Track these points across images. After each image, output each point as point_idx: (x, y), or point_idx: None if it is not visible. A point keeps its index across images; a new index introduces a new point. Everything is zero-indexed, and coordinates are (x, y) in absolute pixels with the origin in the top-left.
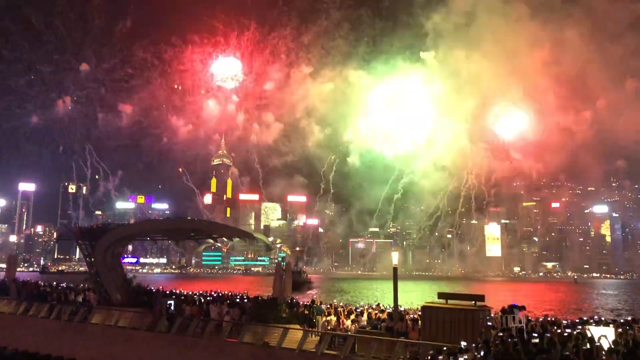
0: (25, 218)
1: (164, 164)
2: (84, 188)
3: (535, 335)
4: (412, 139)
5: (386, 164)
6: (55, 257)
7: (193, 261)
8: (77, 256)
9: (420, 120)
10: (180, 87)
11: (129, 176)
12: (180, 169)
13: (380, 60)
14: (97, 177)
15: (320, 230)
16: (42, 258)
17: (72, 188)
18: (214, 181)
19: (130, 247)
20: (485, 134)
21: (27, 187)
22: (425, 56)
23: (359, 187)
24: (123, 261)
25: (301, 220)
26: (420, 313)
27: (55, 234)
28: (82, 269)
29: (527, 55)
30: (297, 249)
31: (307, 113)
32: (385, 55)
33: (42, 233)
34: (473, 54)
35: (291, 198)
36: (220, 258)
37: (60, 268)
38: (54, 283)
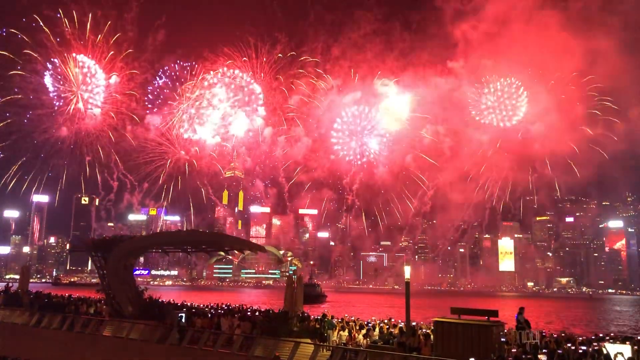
0: (38, 229)
1: (184, 176)
2: (97, 200)
3: (544, 351)
4: (439, 150)
5: (413, 177)
6: (68, 268)
7: (204, 273)
8: (90, 268)
9: (446, 131)
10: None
11: (148, 188)
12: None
13: (408, 71)
14: (114, 189)
15: (332, 243)
16: (54, 269)
17: (85, 200)
18: (225, 194)
19: (141, 259)
20: (511, 146)
21: (40, 198)
22: (453, 65)
23: (385, 200)
24: (134, 273)
25: (313, 233)
26: (432, 328)
27: (68, 245)
28: (94, 280)
29: (558, 65)
30: (312, 262)
31: (335, 126)
32: (413, 66)
33: (55, 244)
34: (501, 64)
35: (302, 211)
36: (231, 270)
37: (72, 279)
38: (66, 294)
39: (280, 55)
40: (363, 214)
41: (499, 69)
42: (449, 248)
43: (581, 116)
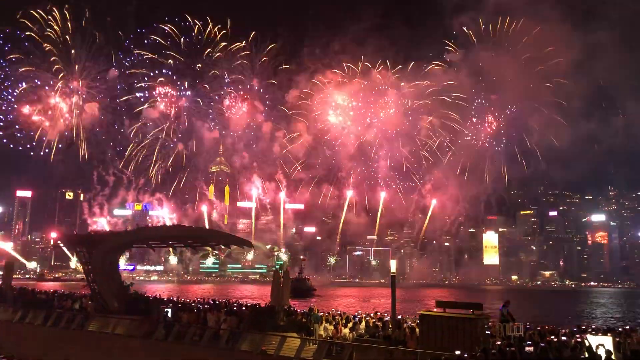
0: (22, 225)
1: (178, 171)
2: (82, 195)
3: (529, 343)
4: (436, 142)
5: (410, 169)
6: (52, 264)
7: (190, 269)
8: (74, 263)
9: (444, 123)
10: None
11: (139, 183)
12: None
13: (406, 65)
14: (109, 184)
15: (318, 238)
16: (38, 265)
17: (69, 195)
18: (211, 188)
19: (127, 254)
20: (507, 139)
21: (24, 193)
22: (451, 57)
23: (379, 193)
24: (120, 268)
25: (299, 228)
26: (418, 321)
27: (52, 241)
28: (79, 276)
29: (555, 58)
30: (302, 257)
31: (334, 121)
32: (412, 60)
33: (38, 240)
34: (500, 56)
35: (289, 206)
36: (217, 265)
37: (56, 275)
38: (51, 290)
39: (280, 49)
40: (357, 208)
41: (497, 61)
42: (434, 242)
43: (578, 109)
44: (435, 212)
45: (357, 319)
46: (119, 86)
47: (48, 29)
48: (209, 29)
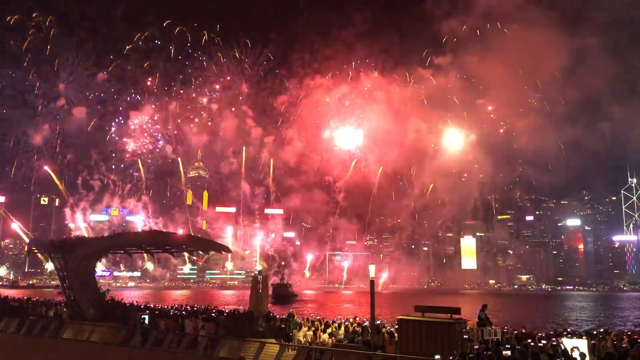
0: None
1: (161, 176)
2: (57, 200)
3: (507, 346)
4: (423, 147)
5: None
6: (26, 270)
7: (168, 275)
8: (49, 270)
9: (433, 127)
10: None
11: (121, 188)
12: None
13: (395, 70)
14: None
15: (298, 243)
16: (11, 272)
17: (44, 200)
18: (190, 193)
19: (104, 260)
20: (494, 144)
21: None
22: (440, 62)
23: (365, 199)
24: (96, 275)
25: (279, 233)
26: (397, 326)
27: (26, 247)
28: (53, 282)
29: (543, 64)
30: (282, 263)
31: (324, 127)
32: (401, 65)
33: (12, 246)
34: (487, 61)
35: (268, 211)
36: (195, 271)
37: (31, 282)
38: (25, 297)
39: (270, 55)
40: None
41: (485, 66)
42: (413, 247)
43: (562, 115)
44: (421, 217)
45: (336, 324)
46: (106, 90)
47: (31, 35)
48: (198, 35)
